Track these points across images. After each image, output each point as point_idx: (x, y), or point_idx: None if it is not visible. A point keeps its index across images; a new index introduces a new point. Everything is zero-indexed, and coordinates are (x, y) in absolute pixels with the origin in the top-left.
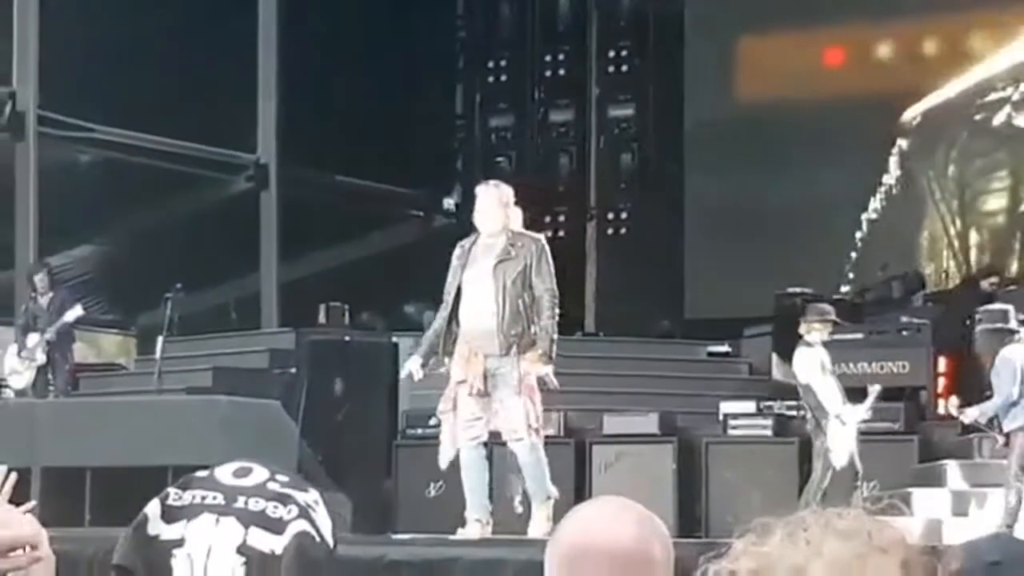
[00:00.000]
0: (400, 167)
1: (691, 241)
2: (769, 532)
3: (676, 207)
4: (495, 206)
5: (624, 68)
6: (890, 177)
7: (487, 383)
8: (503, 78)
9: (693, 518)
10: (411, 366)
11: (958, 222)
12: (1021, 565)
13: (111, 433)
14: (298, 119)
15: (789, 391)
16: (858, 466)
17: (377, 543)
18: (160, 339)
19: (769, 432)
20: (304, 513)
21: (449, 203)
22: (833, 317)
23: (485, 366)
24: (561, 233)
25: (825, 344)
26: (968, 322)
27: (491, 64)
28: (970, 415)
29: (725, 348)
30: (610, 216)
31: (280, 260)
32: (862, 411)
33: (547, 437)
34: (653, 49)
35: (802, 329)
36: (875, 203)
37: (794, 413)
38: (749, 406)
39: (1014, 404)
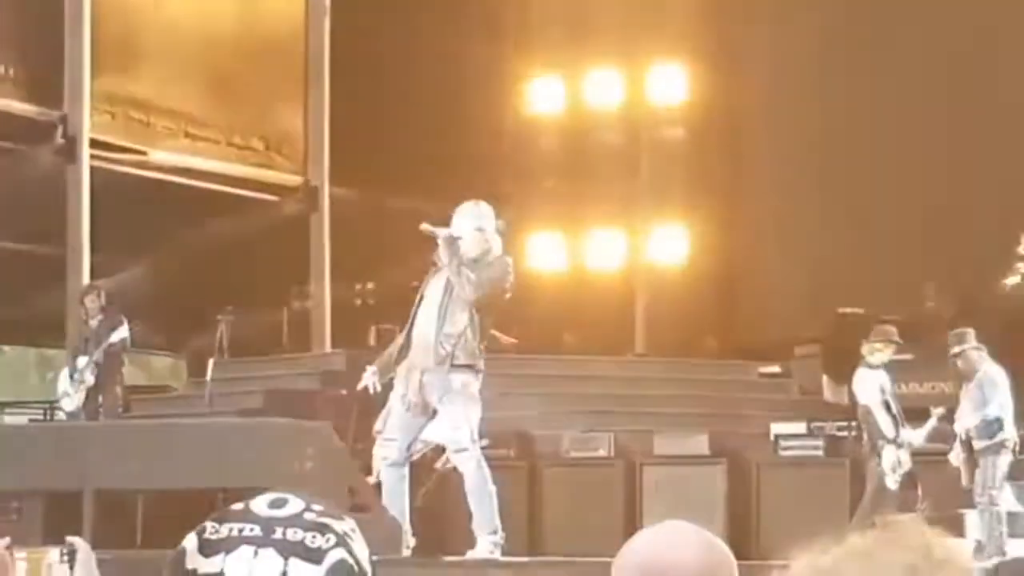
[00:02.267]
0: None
1: (743, 261)
2: (826, 550)
3: (728, 229)
4: (469, 228)
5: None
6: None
7: (424, 397)
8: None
9: (744, 539)
10: (368, 378)
11: None
12: None
13: (162, 456)
14: (349, 140)
15: (840, 411)
16: (918, 488)
17: (430, 565)
18: (211, 361)
19: (820, 452)
20: (342, 541)
21: (499, 223)
22: (897, 339)
23: (422, 379)
24: (611, 252)
25: (885, 366)
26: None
27: (540, 87)
28: (963, 426)
29: (776, 368)
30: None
31: (331, 281)
32: (922, 435)
33: (597, 458)
34: None
35: (864, 350)
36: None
37: (845, 434)
38: (800, 427)
39: (992, 422)
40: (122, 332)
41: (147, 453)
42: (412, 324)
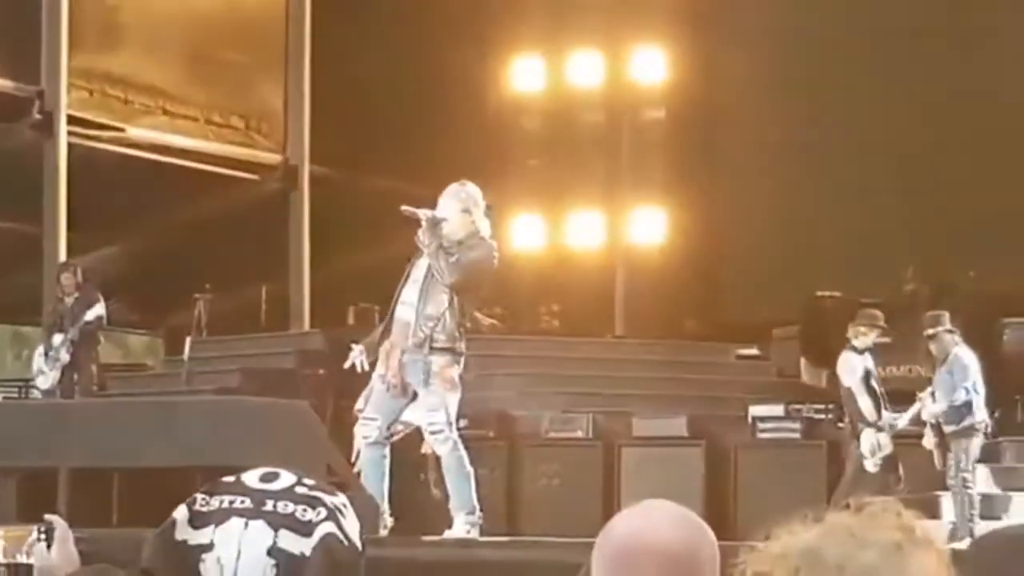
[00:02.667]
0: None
1: (723, 243)
2: (807, 528)
3: (708, 211)
4: (455, 210)
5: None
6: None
7: (404, 377)
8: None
9: (722, 520)
10: (355, 357)
11: None
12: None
13: (139, 433)
14: (329, 119)
15: (818, 394)
16: (899, 471)
17: (408, 545)
18: (189, 339)
19: (798, 435)
20: (332, 516)
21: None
22: (882, 323)
23: (401, 360)
24: (592, 234)
25: (870, 349)
26: (996, 325)
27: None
28: (932, 411)
29: (754, 351)
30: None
31: (310, 261)
32: (906, 418)
33: (576, 439)
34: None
35: (850, 333)
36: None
37: (822, 416)
38: (778, 409)
39: (962, 405)
40: (98, 310)
41: (122, 431)
42: (395, 304)
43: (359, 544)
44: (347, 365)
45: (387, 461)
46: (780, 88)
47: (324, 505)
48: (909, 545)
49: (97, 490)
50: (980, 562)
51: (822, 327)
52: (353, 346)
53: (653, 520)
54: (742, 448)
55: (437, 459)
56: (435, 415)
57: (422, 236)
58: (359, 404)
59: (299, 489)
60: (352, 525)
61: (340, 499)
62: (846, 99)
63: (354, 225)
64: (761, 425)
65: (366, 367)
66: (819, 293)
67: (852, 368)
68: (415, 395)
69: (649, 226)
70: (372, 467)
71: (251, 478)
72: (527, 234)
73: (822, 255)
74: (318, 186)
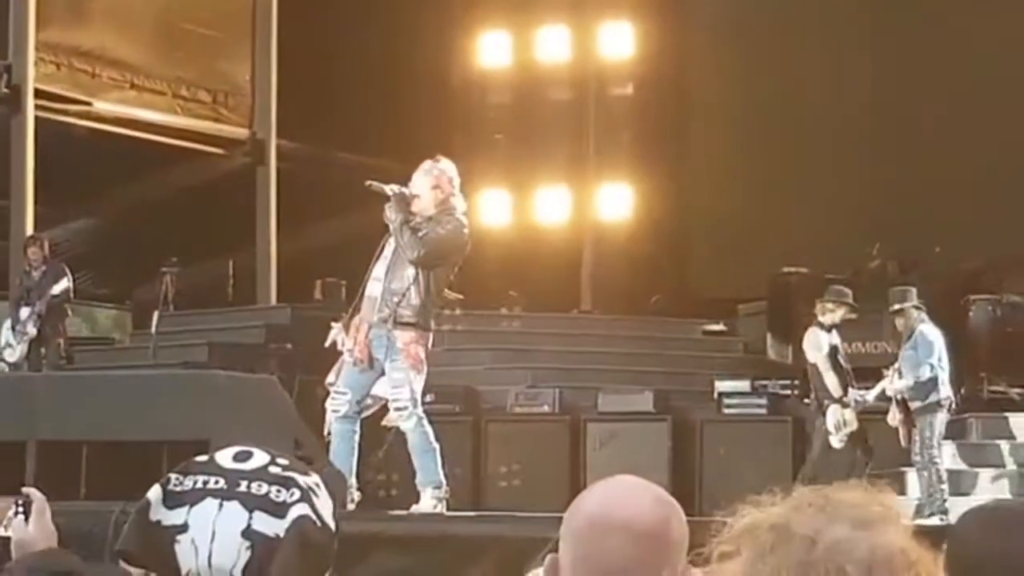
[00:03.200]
0: (398, 141)
1: (689, 219)
2: (775, 503)
3: (675, 187)
4: (426, 186)
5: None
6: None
7: (370, 352)
8: (501, 55)
9: (687, 496)
10: (336, 335)
11: None
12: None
13: (107, 407)
14: (296, 93)
15: (783, 370)
16: (869, 446)
17: (374, 519)
18: (156, 314)
19: (763, 411)
20: (306, 496)
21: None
22: (849, 300)
23: (368, 335)
24: (560, 210)
25: (836, 325)
26: (963, 301)
27: (489, 41)
28: (897, 387)
29: (720, 326)
30: (609, 195)
31: (277, 235)
32: (872, 395)
33: (542, 414)
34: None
35: (817, 310)
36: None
37: (788, 392)
38: (744, 385)
39: (927, 381)
40: (64, 283)
41: (90, 405)
42: (366, 280)
43: (332, 524)
44: (327, 344)
45: (357, 436)
46: (748, 64)
47: (297, 486)
48: (878, 520)
49: (65, 463)
50: (965, 538)
51: (788, 303)
52: (333, 324)
53: (623, 495)
54: (708, 423)
55: (400, 433)
56: (399, 391)
57: (388, 211)
58: (330, 378)
59: (272, 469)
60: (325, 505)
61: (313, 479)
62: (814, 76)
63: (321, 200)
64: (727, 401)
65: (347, 345)
66: (785, 269)
67: (818, 344)
68: (383, 371)
69: (616, 202)
70: (342, 441)
71: (224, 457)
72: (494, 210)
73: (788, 231)
74: (285, 161)
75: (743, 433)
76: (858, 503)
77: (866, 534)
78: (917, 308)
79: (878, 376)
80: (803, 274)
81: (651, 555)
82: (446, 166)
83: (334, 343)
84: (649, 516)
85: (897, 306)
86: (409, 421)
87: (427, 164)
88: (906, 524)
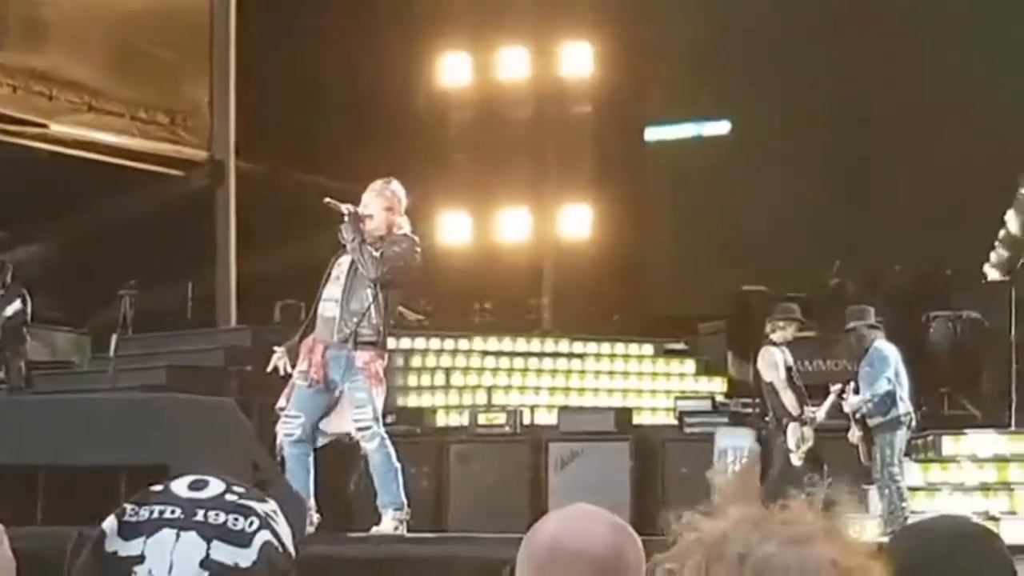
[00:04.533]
0: (359, 162)
1: (649, 239)
2: (713, 523)
3: (635, 206)
4: (379, 207)
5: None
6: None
7: (327, 374)
8: (463, 76)
9: (650, 515)
10: (277, 360)
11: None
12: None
13: (64, 431)
14: (255, 115)
15: (744, 388)
16: (823, 465)
17: (335, 541)
18: (114, 337)
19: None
20: (265, 524)
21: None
22: (799, 316)
23: (325, 356)
24: (520, 230)
25: (788, 344)
26: (924, 319)
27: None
28: (853, 403)
29: (681, 345)
30: (569, 213)
31: (236, 257)
32: (822, 412)
33: (503, 434)
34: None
35: (767, 328)
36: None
37: (749, 410)
38: (705, 403)
39: (885, 398)
40: (18, 305)
41: (49, 429)
42: (317, 302)
43: (292, 550)
44: (270, 368)
45: (311, 459)
46: (706, 83)
47: (255, 513)
48: (811, 535)
49: (22, 488)
50: (898, 557)
51: (748, 322)
52: (276, 349)
53: (580, 523)
54: (669, 442)
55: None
56: (362, 412)
57: (344, 231)
58: (280, 402)
59: (229, 497)
60: (285, 531)
61: (270, 505)
62: (773, 93)
63: (280, 221)
64: (688, 419)
65: (288, 370)
66: (745, 288)
67: (772, 363)
68: (338, 399)
69: (576, 221)
70: (297, 465)
71: (180, 486)
72: (455, 229)
73: (748, 250)
74: (244, 182)
75: (705, 451)
76: (793, 519)
77: (796, 549)
78: (871, 327)
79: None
80: (763, 292)
81: None
82: (397, 187)
83: (276, 368)
84: (606, 544)
85: (851, 324)
86: (373, 441)
87: (378, 185)
88: (849, 542)
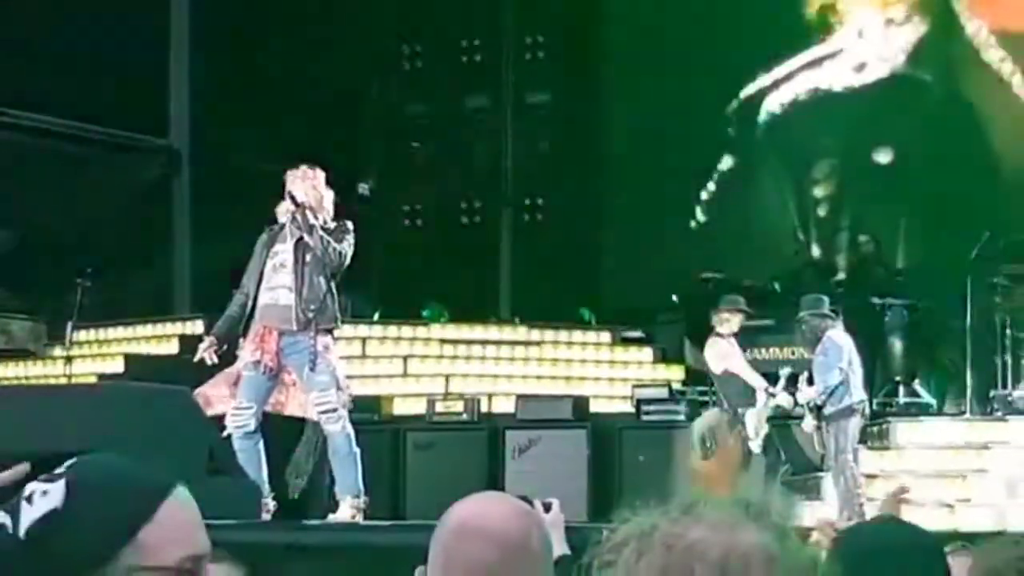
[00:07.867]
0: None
1: (608, 227)
2: (647, 513)
3: (593, 193)
4: (305, 189)
5: (540, 55)
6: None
7: (280, 361)
8: (419, 64)
9: (606, 503)
10: (204, 351)
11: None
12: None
13: (19, 420)
14: (211, 104)
15: (702, 377)
16: (780, 452)
17: (289, 529)
18: (70, 325)
19: (682, 417)
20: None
21: (363, 188)
22: (744, 307)
23: (279, 344)
24: (477, 219)
25: (736, 333)
26: (879, 307)
27: (407, 50)
28: (807, 394)
29: (639, 333)
30: (527, 202)
31: (192, 246)
32: (782, 397)
33: (460, 423)
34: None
35: (714, 320)
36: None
37: (707, 399)
38: (662, 392)
39: (838, 386)
40: None
41: (3, 417)
42: (256, 291)
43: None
44: (196, 359)
45: (261, 446)
46: (663, 72)
47: None
48: (741, 520)
49: None
50: (844, 558)
51: (706, 309)
52: (205, 339)
53: (484, 505)
54: (626, 430)
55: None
56: (325, 395)
57: (299, 219)
58: (202, 389)
59: None
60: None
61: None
62: (728, 79)
63: (236, 210)
64: (645, 408)
65: (215, 360)
66: (703, 275)
67: (721, 354)
68: (287, 380)
69: (533, 209)
70: (250, 456)
71: None
72: (412, 217)
73: (706, 237)
74: (200, 170)
75: (662, 440)
76: (723, 505)
77: (724, 535)
78: (824, 316)
79: (794, 381)
80: (720, 280)
81: (511, 561)
82: (321, 173)
83: (202, 360)
84: (508, 525)
85: (801, 314)
86: (337, 424)
87: (312, 172)
88: (786, 529)
